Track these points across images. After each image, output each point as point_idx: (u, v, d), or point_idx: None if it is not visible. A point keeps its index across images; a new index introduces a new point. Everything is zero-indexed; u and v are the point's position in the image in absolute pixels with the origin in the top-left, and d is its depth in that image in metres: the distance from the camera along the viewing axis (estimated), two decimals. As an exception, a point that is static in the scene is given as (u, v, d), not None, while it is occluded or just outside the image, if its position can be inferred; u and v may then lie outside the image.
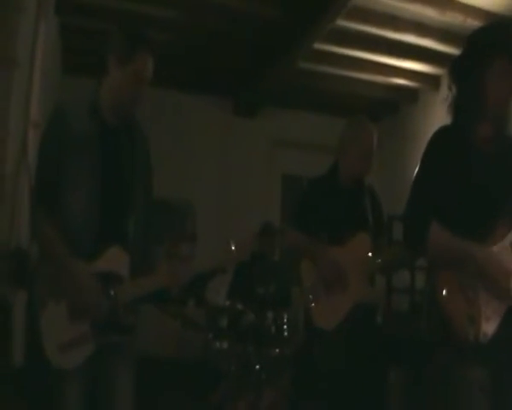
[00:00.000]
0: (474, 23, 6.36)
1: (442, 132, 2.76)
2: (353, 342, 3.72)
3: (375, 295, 4.18)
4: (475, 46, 2.74)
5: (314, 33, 6.61)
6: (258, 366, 5.09)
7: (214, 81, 8.06)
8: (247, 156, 8.44)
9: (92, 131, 2.89)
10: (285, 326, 5.23)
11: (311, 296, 3.80)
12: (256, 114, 8.64)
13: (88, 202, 2.83)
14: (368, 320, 3.90)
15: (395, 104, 8.86)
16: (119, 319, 2.85)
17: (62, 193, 2.81)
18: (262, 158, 8.56)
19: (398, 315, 6.82)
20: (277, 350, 5.15)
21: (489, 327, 2.50)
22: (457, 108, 2.75)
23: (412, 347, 5.06)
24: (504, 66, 2.63)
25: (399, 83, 8.00)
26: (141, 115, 3.11)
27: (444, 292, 2.53)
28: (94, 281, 2.77)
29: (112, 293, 2.81)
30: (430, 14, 6.40)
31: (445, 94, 2.80)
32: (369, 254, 3.85)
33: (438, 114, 6.91)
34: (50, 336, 2.72)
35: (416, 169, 2.76)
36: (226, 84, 8.13)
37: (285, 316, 5.27)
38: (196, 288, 5.44)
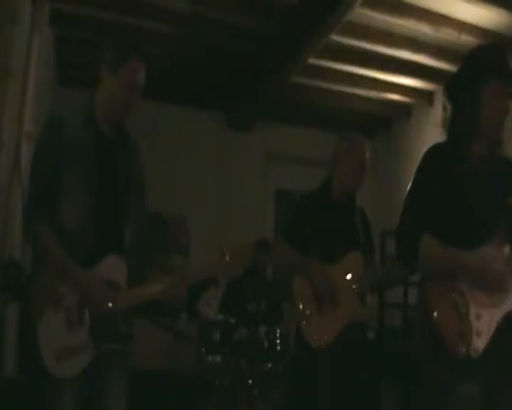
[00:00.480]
0: (468, 39, 6.41)
1: (436, 149, 2.78)
2: (344, 361, 3.70)
3: (367, 312, 4.17)
4: (471, 66, 2.77)
5: (309, 48, 6.62)
6: (250, 381, 5.08)
7: (209, 95, 8.07)
8: (241, 170, 8.44)
9: (87, 140, 2.90)
10: (277, 341, 5.22)
11: (303, 313, 3.79)
12: (250, 129, 8.64)
13: (84, 210, 2.83)
14: (359, 338, 3.88)
15: (389, 120, 8.90)
16: (117, 327, 2.85)
17: (58, 201, 2.81)
18: (256, 172, 8.56)
19: (391, 330, 6.82)
20: (270, 365, 5.14)
21: (480, 342, 2.51)
22: (452, 125, 2.77)
23: (405, 362, 5.06)
24: (499, 86, 2.66)
25: (393, 98, 8.03)
26: (135, 128, 3.12)
27: (435, 312, 2.54)
28: (99, 282, 2.78)
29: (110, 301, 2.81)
30: (425, 30, 6.43)
31: (438, 110, 2.82)
32: (361, 272, 3.85)
33: (431, 130, 6.95)
34: (48, 345, 2.70)
35: (409, 185, 2.78)
36: (221, 97, 8.14)
37: (277, 331, 5.26)
38: (189, 300, 5.43)
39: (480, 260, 2.53)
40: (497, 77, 2.67)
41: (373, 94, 7.91)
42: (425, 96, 7.92)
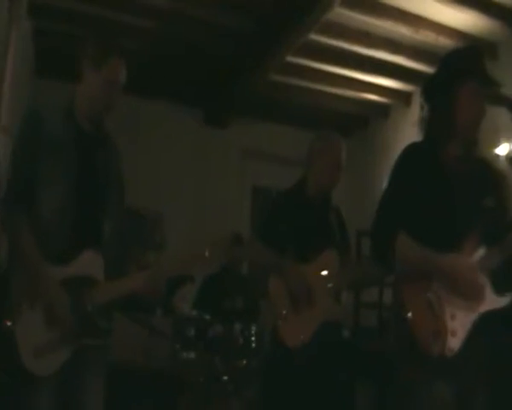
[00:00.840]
0: (446, 42, 6.46)
1: (412, 149, 2.80)
2: (319, 360, 3.71)
3: (343, 311, 4.18)
4: (448, 68, 2.80)
5: (287, 46, 6.65)
6: (225, 377, 5.08)
7: (187, 91, 8.05)
8: (218, 167, 8.43)
9: (67, 135, 2.88)
10: (253, 338, 5.23)
11: (279, 312, 3.78)
12: (228, 125, 8.63)
13: (62, 204, 2.81)
14: (334, 337, 3.89)
15: (366, 119, 8.94)
16: (94, 323, 2.83)
17: (37, 196, 2.80)
18: (233, 169, 8.55)
19: (367, 330, 6.85)
20: (245, 362, 5.15)
21: (455, 342, 2.53)
22: (428, 126, 2.80)
23: (380, 361, 5.09)
24: (475, 89, 2.69)
25: (370, 98, 8.07)
26: (113, 123, 3.11)
27: (410, 311, 2.56)
28: (62, 293, 2.76)
29: (87, 295, 2.80)
30: (403, 31, 6.48)
31: (416, 111, 2.85)
32: (336, 270, 3.85)
33: (408, 130, 6.98)
34: (26, 342, 2.68)
35: (385, 184, 2.79)
36: (199, 94, 8.12)
37: (253, 328, 5.26)
38: (164, 296, 5.42)
39: (452, 269, 2.55)
40: (473, 79, 2.70)
41: (350, 93, 7.95)
42: (402, 97, 7.97)
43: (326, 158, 3.96)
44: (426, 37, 6.54)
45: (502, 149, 6.61)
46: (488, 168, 2.88)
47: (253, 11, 6.30)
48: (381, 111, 8.52)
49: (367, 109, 8.55)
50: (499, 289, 2.59)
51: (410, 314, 2.56)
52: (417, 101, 2.88)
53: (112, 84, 2.91)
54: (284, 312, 3.74)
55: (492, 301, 2.58)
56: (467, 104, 2.69)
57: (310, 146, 4.08)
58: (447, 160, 2.74)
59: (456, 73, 2.73)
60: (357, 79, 7.62)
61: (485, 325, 2.59)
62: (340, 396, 3.83)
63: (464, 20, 6.34)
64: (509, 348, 3.06)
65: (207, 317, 5.41)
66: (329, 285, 3.80)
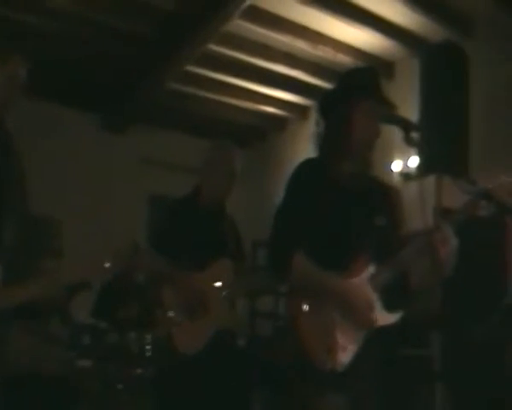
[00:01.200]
0: (344, 59, 6.64)
1: (305, 165, 2.81)
2: (214, 367, 3.72)
3: (238, 320, 4.21)
4: (345, 85, 2.85)
5: (186, 55, 6.67)
6: (120, 386, 5.03)
7: (84, 95, 7.91)
8: (115, 174, 8.29)
9: None
10: (148, 347, 5.20)
11: (173, 320, 3.77)
12: (126, 132, 8.52)
13: None
14: (228, 345, 3.91)
15: (264, 131, 9.04)
16: None
17: None
18: (130, 176, 8.44)
19: (262, 339, 6.90)
20: (140, 371, 5.11)
21: (345, 357, 2.56)
22: (323, 142, 2.82)
23: (274, 371, 5.14)
24: (370, 108, 2.74)
25: (268, 110, 8.17)
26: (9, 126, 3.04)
27: (302, 326, 2.58)
28: None
29: None
30: (302, 46, 6.60)
31: (313, 125, 2.87)
32: (231, 279, 3.86)
33: (305, 144, 7.12)
34: None
35: (280, 198, 2.80)
36: (97, 99, 8.00)
37: (148, 337, 5.23)
38: (61, 303, 5.32)
39: (342, 289, 2.59)
40: (368, 98, 2.74)
41: (248, 105, 8.03)
42: (300, 111, 8.12)
43: (219, 168, 3.96)
44: (324, 53, 6.69)
45: (396, 166, 6.85)
46: (381, 186, 2.93)
47: (154, 18, 6.28)
48: (278, 124, 8.64)
49: (265, 121, 8.66)
50: (390, 306, 2.64)
51: (302, 329, 2.57)
52: (314, 116, 2.91)
53: (12, 83, 2.85)
54: (178, 319, 3.73)
55: (383, 318, 2.62)
56: (361, 123, 2.72)
57: (204, 156, 4.08)
58: (340, 177, 2.76)
59: (352, 91, 2.77)
60: (255, 91, 7.72)
61: (376, 341, 2.64)
62: (233, 405, 3.84)
63: (362, 38, 6.54)
64: (399, 363, 3.14)
65: (103, 325, 5.35)
66: (224, 294, 3.81)
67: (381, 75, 2.92)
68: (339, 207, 2.70)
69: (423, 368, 4.76)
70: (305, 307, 2.59)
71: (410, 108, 4.59)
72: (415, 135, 2.79)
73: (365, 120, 2.73)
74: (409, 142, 2.76)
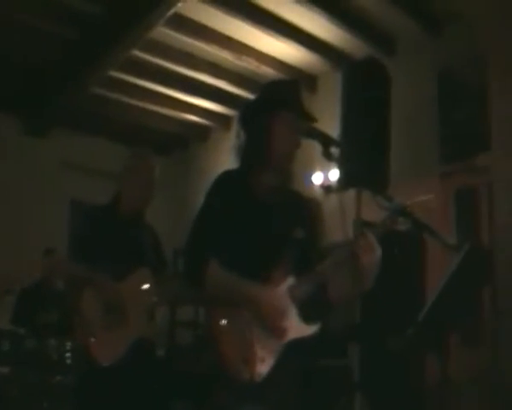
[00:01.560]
0: (267, 70, 6.70)
1: (225, 176, 2.78)
2: (134, 377, 3.68)
3: (157, 329, 4.17)
4: (265, 98, 2.86)
5: (109, 60, 6.61)
6: (39, 393, 4.95)
7: (5, 98, 7.73)
8: (36, 178, 8.13)
9: None
10: (68, 354, 5.13)
11: (91, 329, 3.72)
12: (47, 136, 8.36)
13: None
14: (148, 356, 3.88)
15: (186, 140, 9.03)
16: None
17: None
18: (51, 180, 8.28)
19: (182, 348, 6.87)
20: (59, 378, 5.04)
21: (263, 368, 2.56)
22: (244, 153, 2.80)
23: (194, 380, 5.12)
24: (289, 121, 2.75)
25: (191, 119, 8.17)
26: None
27: (219, 337, 2.56)
28: None
29: None
30: (226, 56, 6.63)
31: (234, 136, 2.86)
32: (149, 288, 3.84)
33: (228, 154, 7.11)
34: None
35: (199, 208, 2.78)
36: (18, 102, 7.82)
37: (68, 344, 5.15)
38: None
39: (259, 299, 2.58)
40: (287, 110, 2.74)
41: (171, 113, 8.01)
42: (223, 121, 8.15)
43: (139, 176, 3.94)
44: (248, 64, 6.73)
45: (317, 178, 6.94)
46: (301, 199, 2.94)
47: (79, 22, 6.19)
48: (201, 133, 8.65)
49: (188, 130, 8.66)
50: (308, 318, 2.64)
51: (220, 339, 2.56)
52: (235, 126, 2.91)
53: None
54: (96, 327, 3.68)
55: (301, 329, 2.62)
56: (280, 135, 2.72)
57: (123, 164, 4.04)
58: (260, 189, 2.75)
59: (273, 103, 2.77)
60: (179, 99, 7.71)
61: (295, 352, 2.64)
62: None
63: (286, 51, 6.63)
64: (318, 374, 3.16)
65: (22, 331, 5.26)
66: (143, 302, 3.78)
67: (302, 88, 2.93)
68: (257, 219, 2.69)
69: (342, 378, 4.82)
70: (224, 322, 2.58)
71: (332, 122, 4.66)
72: (334, 150, 2.81)
73: (285, 131, 2.74)
74: (327, 156, 2.76)
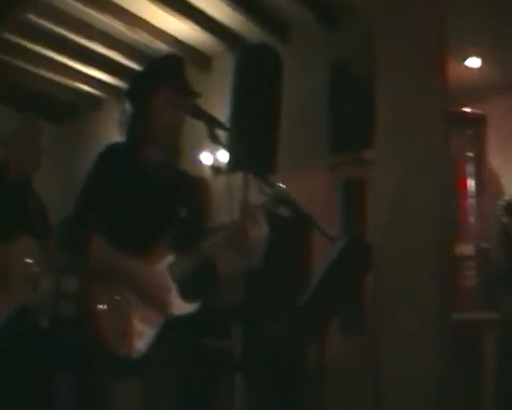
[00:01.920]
0: (161, 46, 6.70)
1: (110, 149, 2.78)
2: (14, 345, 3.64)
3: (42, 299, 4.12)
4: (148, 72, 2.90)
5: (3, 23, 6.44)
6: None
7: None
8: None
9: None
10: None
11: None
12: None
13: None
14: (30, 325, 3.83)
15: (78, 109, 8.89)
16: None
17: None
18: None
19: (67, 321, 6.76)
20: None
21: (141, 343, 2.57)
22: (128, 127, 2.79)
23: (78, 354, 5.08)
24: (169, 96, 2.77)
25: (83, 88, 8.06)
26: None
27: (96, 311, 2.54)
28: None
29: None
30: (120, 27, 6.58)
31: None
32: (35, 256, 3.80)
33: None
34: None
35: (83, 180, 2.77)
36: None
37: None
38: None
39: (139, 274, 2.60)
40: (169, 87, 2.75)
41: (64, 80, 7.88)
42: (115, 92, 8.05)
43: (26, 142, 3.89)
44: (141, 37, 6.71)
45: (205, 158, 6.96)
46: (187, 177, 2.97)
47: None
48: (93, 103, 8.54)
49: (80, 99, 8.53)
50: (187, 296, 2.66)
51: (96, 314, 2.56)
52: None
53: None
54: None
55: (180, 307, 2.65)
56: (161, 110, 2.74)
57: (11, 128, 3.98)
58: (144, 164, 2.77)
59: (154, 78, 2.78)
60: (72, 67, 7.59)
61: (175, 329, 2.66)
62: (36, 389, 3.78)
63: (181, 29, 6.64)
64: (199, 353, 3.19)
65: None
66: (26, 271, 3.74)
67: (187, 64, 2.91)
68: (140, 194, 2.71)
69: (224, 359, 4.88)
70: (103, 307, 2.59)
71: (225, 102, 4.71)
72: (220, 132, 2.86)
73: (166, 107, 2.75)
74: (213, 138, 2.78)
